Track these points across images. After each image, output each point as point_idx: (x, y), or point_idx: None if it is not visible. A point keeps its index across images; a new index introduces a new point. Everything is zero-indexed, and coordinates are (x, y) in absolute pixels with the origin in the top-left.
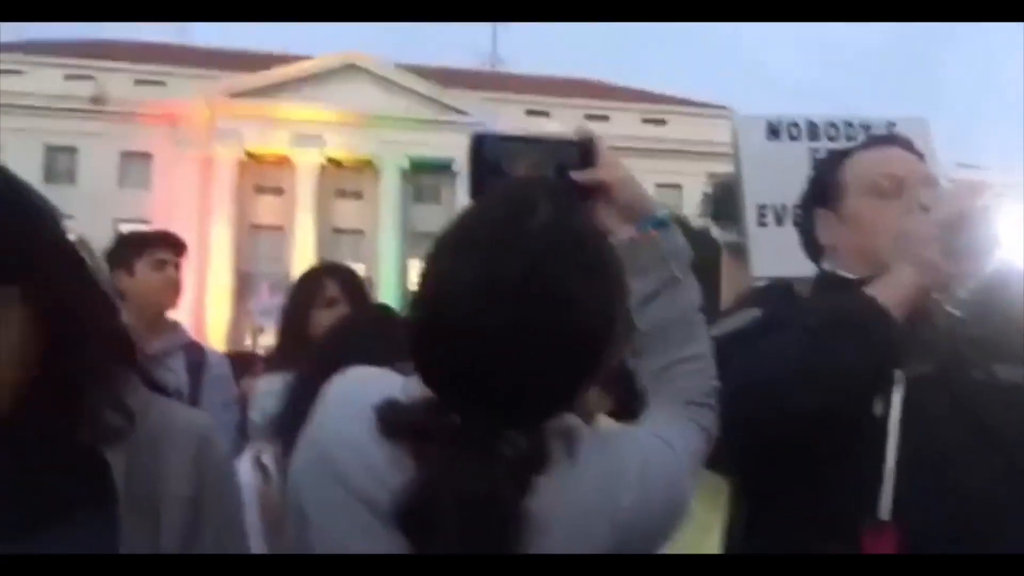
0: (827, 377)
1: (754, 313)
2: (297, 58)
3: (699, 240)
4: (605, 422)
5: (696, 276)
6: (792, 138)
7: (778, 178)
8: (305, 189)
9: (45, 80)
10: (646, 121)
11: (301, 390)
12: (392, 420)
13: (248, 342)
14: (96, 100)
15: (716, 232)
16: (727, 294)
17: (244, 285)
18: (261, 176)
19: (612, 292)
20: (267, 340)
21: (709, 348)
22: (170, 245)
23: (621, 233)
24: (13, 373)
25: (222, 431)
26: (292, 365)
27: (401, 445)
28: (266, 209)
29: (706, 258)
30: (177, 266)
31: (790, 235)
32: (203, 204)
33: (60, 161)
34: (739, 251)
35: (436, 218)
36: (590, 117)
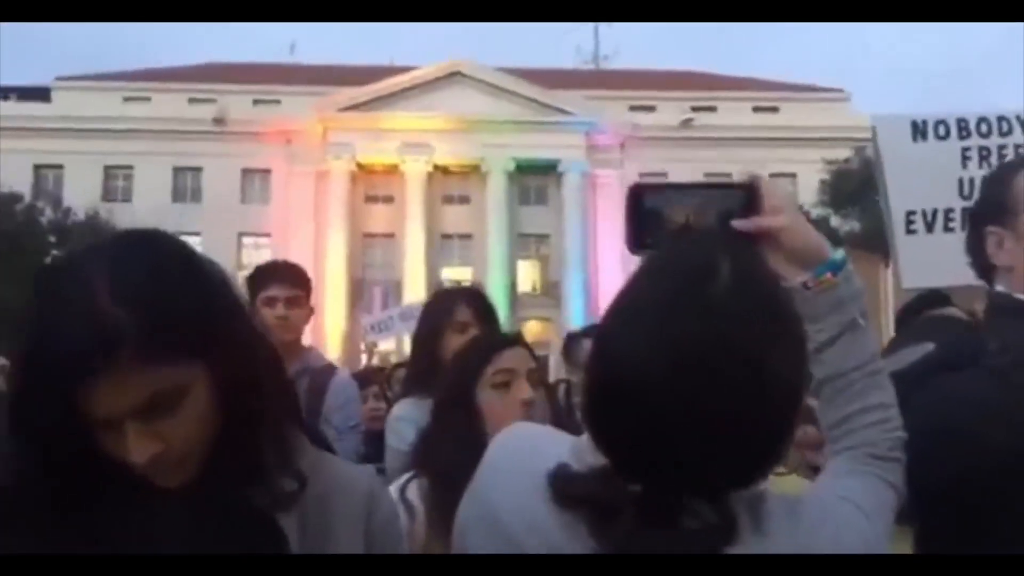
0: (1021, 422)
1: (927, 348)
2: (402, 69)
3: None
4: (790, 483)
5: None
6: (940, 137)
7: (926, 182)
8: (414, 196)
9: (170, 104)
10: (757, 110)
11: (435, 418)
12: (567, 489)
13: (364, 356)
14: (218, 121)
15: (835, 221)
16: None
17: (357, 292)
18: (372, 186)
19: (801, 352)
20: (385, 346)
21: (893, 397)
22: (282, 280)
23: (793, 278)
24: (198, 446)
25: (344, 455)
26: (426, 390)
27: (576, 514)
28: (377, 217)
29: None
30: (290, 301)
31: (941, 243)
32: (318, 215)
33: (187, 180)
34: (859, 241)
35: (543, 219)
36: (697, 108)
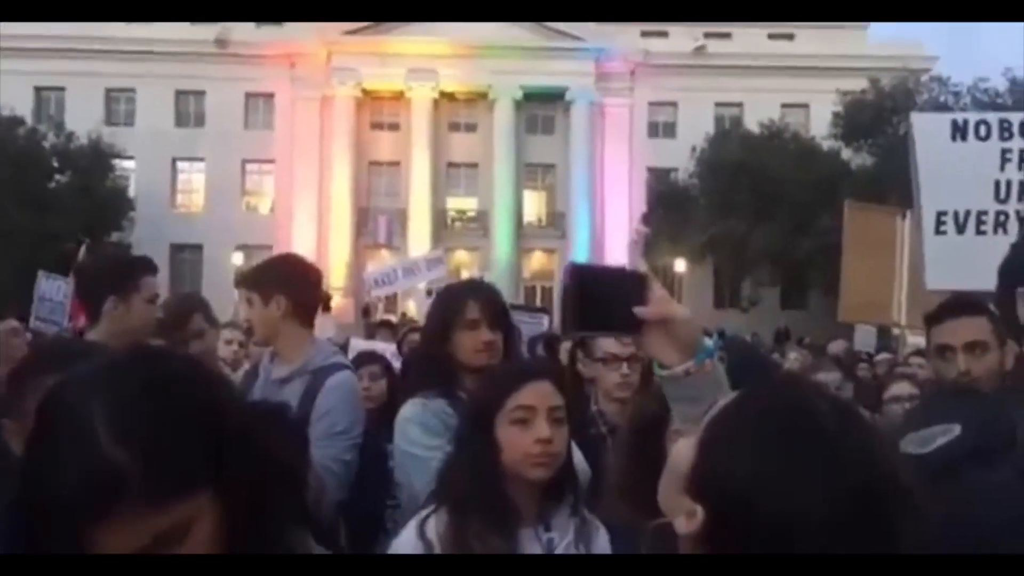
0: None
1: (955, 431)
2: None
3: (828, 162)
4: None
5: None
6: (980, 138)
7: (961, 182)
8: (420, 124)
9: (172, 25)
10: (772, 36)
11: (455, 449)
12: None
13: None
14: (220, 43)
15: (846, 154)
16: (855, 234)
17: (363, 221)
18: (378, 112)
19: None
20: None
21: None
22: (243, 285)
23: (677, 365)
24: None
25: (317, 465)
26: (434, 389)
27: None
28: (383, 145)
29: (832, 176)
30: (249, 302)
31: (970, 245)
32: (323, 142)
33: (190, 104)
34: (871, 178)
35: (550, 149)
36: (710, 35)
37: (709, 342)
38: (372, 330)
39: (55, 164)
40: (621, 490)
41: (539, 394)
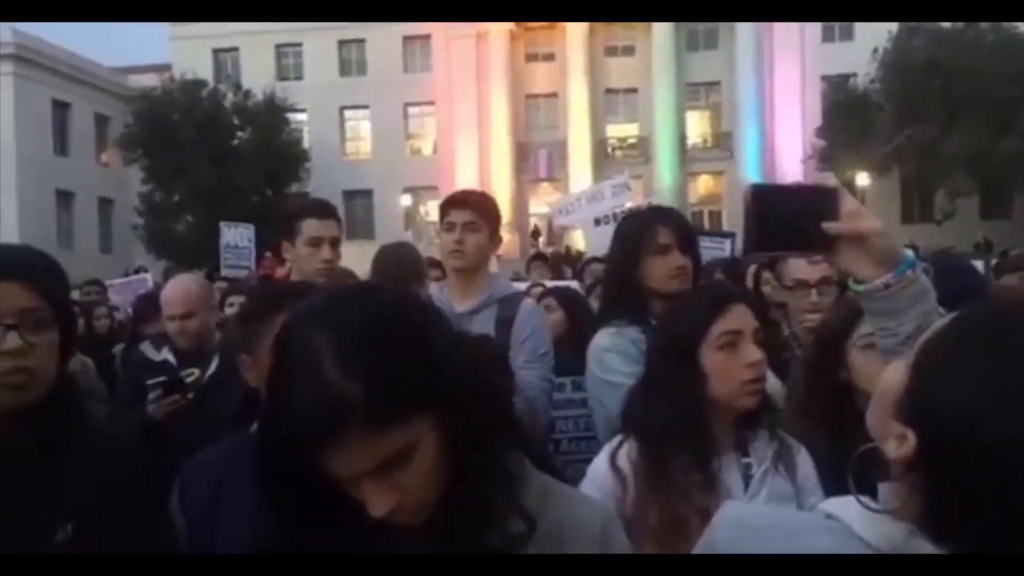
0: None
1: None
2: None
3: None
4: None
5: None
6: None
7: None
8: (575, 52)
9: None
10: None
11: (650, 378)
12: None
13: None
14: None
15: None
16: None
17: (523, 155)
18: (532, 44)
19: None
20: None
21: None
22: (460, 205)
23: (873, 279)
24: (428, 493)
25: (529, 387)
26: (626, 317)
27: None
28: (539, 77)
29: None
30: (466, 227)
31: None
32: (480, 79)
33: (352, 53)
34: None
35: (713, 65)
36: None
37: (910, 252)
38: (528, 264)
39: (236, 122)
40: (800, 409)
41: (743, 317)
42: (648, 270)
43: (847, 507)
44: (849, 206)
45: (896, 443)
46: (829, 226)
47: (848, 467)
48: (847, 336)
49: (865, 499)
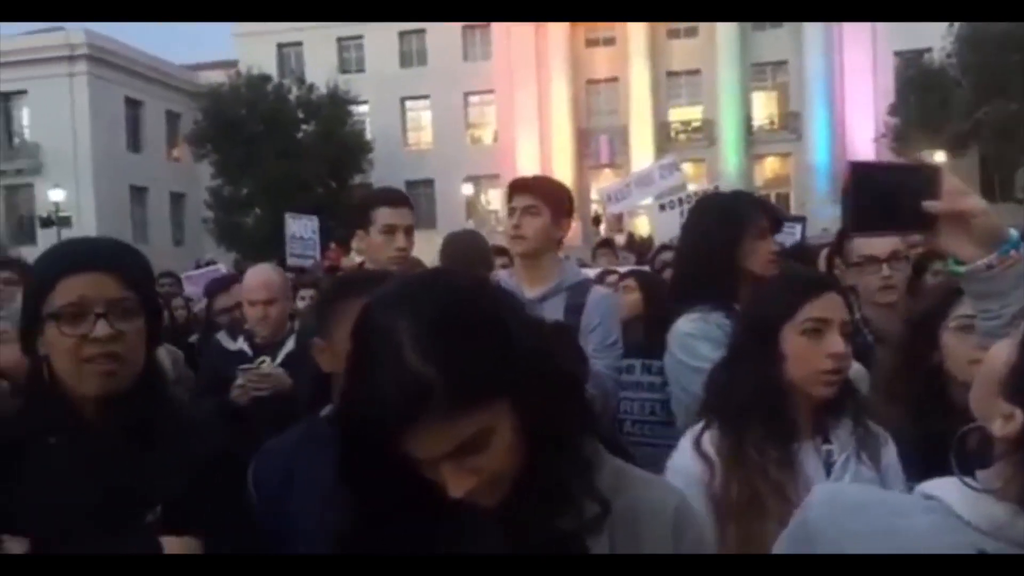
0: None
1: None
2: None
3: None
4: None
5: None
6: None
7: None
8: (636, 35)
9: None
10: None
11: (732, 360)
12: None
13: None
14: None
15: None
16: None
17: (584, 141)
18: (592, 28)
19: None
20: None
21: None
22: (520, 191)
23: (975, 260)
24: (505, 476)
25: (596, 376)
26: (710, 300)
27: None
28: (599, 62)
29: None
30: (525, 211)
31: None
32: (540, 66)
33: (412, 44)
34: None
35: (780, 44)
36: None
37: (1014, 232)
38: (594, 252)
39: (300, 115)
40: (891, 394)
41: (834, 306)
42: (747, 254)
43: (947, 487)
44: (951, 184)
45: (1002, 422)
46: (930, 205)
47: (951, 446)
48: (943, 317)
49: (967, 479)
